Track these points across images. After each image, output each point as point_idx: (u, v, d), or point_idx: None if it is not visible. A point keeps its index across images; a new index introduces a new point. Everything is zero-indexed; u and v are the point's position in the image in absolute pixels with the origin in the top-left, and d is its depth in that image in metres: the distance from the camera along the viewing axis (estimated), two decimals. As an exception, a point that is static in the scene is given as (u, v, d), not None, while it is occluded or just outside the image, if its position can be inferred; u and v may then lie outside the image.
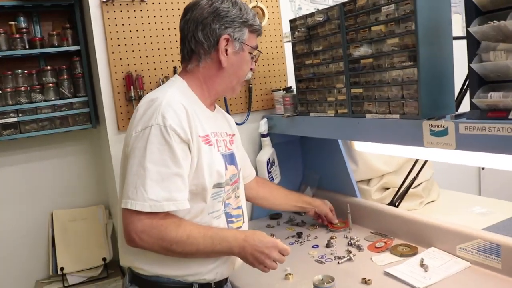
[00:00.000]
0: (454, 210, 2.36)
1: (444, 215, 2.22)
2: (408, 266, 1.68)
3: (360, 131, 1.75)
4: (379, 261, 1.78)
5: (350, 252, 1.89)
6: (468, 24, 1.31)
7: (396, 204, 2.19)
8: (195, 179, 1.43)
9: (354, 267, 1.76)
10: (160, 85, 2.15)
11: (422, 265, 1.67)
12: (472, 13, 1.31)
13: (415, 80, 1.49)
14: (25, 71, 2.27)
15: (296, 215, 2.45)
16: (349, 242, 1.98)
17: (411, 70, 1.50)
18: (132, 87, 2.10)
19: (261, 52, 1.67)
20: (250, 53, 1.58)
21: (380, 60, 1.62)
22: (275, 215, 2.46)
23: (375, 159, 2.35)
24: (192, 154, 1.41)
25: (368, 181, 2.42)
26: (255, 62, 1.65)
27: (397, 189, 2.36)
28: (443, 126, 1.39)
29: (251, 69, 1.63)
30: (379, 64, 1.62)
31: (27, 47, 2.22)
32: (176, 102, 1.41)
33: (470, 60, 1.32)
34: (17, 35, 2.19)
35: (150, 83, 2.17)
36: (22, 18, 2.25)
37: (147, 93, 2.14)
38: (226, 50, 1.51)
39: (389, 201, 2.36)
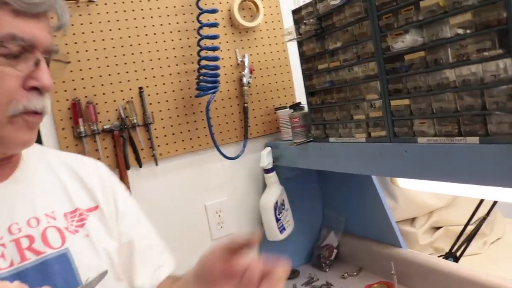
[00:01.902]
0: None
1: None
2: None
3: (410, 164, 1.14)
4: None
5: None
6: None
7: (458, 255, 1.58)
8: None
9: None
10: (121, 114, 1.59)
11: None
12: None
13: (508, 79, 0.89)
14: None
15: (318, 271, 1.84)
16: (400, 321, 1.37)
17: (501, 63, 0.90)
18: (80, 120, 1.52)
19: (21, 39, 0.78)
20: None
21: (438, 53, 1.02)
22: (290, 274, 1.85)
23: (420, 191, 1.75)
24: None
25: (412, 220, 1.82)
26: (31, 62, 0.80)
27: (451, 229, 1.76)
28: None
29: (35, 87, 0.81)
30: (437, 58, 1.03)
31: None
32: None
33: None
34: None
35: (108, 111, 1.59)
36: None
37: (102, 126, 1.59)
38: None
39: (442, 246, 1.76)
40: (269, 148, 1.75)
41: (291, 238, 1.82)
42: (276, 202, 1.71)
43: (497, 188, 1.08)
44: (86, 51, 1.56)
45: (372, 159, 1.27)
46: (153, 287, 1.04)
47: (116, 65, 1.61)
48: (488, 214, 1.58)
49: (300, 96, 1.78)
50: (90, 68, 1.57)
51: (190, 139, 1.73)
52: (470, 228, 1.70)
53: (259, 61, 1.87)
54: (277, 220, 1.71)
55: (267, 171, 1.74)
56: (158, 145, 1.67)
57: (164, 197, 1.69)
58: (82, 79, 1.55)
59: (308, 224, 1.94)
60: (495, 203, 1.57)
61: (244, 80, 1.80)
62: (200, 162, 1.76)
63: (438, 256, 1.69)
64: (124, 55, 1.63)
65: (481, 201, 1.60)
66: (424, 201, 1.77)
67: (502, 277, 1.30)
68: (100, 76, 1.58)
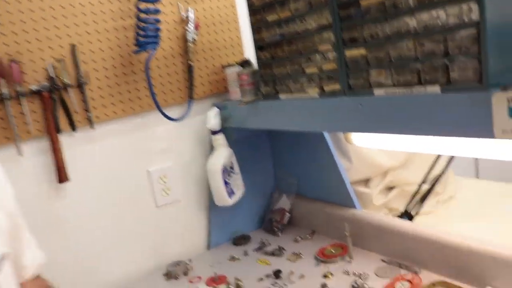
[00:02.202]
0: (485, 209, 1.74)
1: (476, 221, 1.61)
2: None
3: (366, 118, 1.06)
4: (411, 319, 1.13)
5: (361, 302, 1.24)
6: None
7: (414, 214, 1.55)
8: None
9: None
10: (50, 73, 1.43)
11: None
12: None
13: (473, 22, 0.82)
14: None
15: (270, 236, 1.78)
16: (354, 284, 1.32)
17: (465, 7, 0.82)
18: (2, 80, 1.36)
19: None
20: None
21: (396, -4, 0.94)
22: (241, 239, 1.78)
23: (375, 151, 1.69)
24: None
25: (366, 181, 1.77)
26: None
27: (406, 188, 1.73)
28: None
29: None
30: (395, 2, 0.95)
31: None
32: None
33: None
34: None
35: (35, 71, 1.42)
36: None
37: (29, 87, 1.43)
38: None
39: (397, 206, 1.73)
40: (216, 109, 1.64)
41: (242, 202, 1.74)
42: (224, 165, 1.62)
43: (456, 141, 1.03)
44: (7, 3, 1.38)
45: (326, 115, 1.19)
46: (34, 269, 1.03)
47: (44, 19, 1.44)
48: (443, 171, 1.55)
49: (250, 54, 1.67)
50: (12, 23, 1.39)
51: (130, 100, 1.59)
52: (424, 187, 1.67)
53: (205, 17, 1.73)
54: (226, 184, 1.62)
55: (214, 133, 1.64)
56: (94, 107, 1.52)
57: (103, 164, 1.56)
58: (3, 34, 1.38)
59: (259, 187, 1.86)
60: (450, 160, 1.54)
61: (189, 36, 1.67)
62: (142, 125, 1.64)
63: (394, 216, 1.65)
64: (53, 8, 1.45)
65: (437, 158, 1.56)
66: (378, 161, 1.72)
67: (455, 234, 1.27)
68: (25, 31, 1.41)
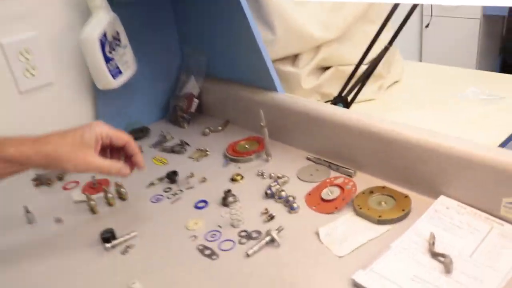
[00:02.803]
0: (437, 97, 1.44)
1: (426, 111, 1.32)
2: (402, 254, 0.74)
3: None
4: (333, 240, 0.82)
5: (271, 217, 0.92)
6: None
7: (350, 99, 1.21)
8: None
9: (284, 267, 0.79)
10: None
11: (435, 254, 0.74)
12: None
13: None
14: None
15: (174, 128, 1.43)
16: (268, 191, 0.99)
17: None
18: None
19: None
20: None
21: None
22: (138, 133, 1.41)
23: (304, 18, 1.30)
24: None
25: (294, 58, 1.40)
26: None
27: (342, 69, 1.39)
28: None
29: None
30: None
31: None
32: None
33: None
34: None
35: None
36: None
37: None
38: None
39: (331, 91, 1.40)
40: (89, -45, 1.18)
41: (139, 86, 1.36)
42: (104, 35, 1.19)
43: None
44: None
45: None
46: None
47: None
48: (391, 42, 1.19)
49: None
50: None
51: None
52: (364, 67, 1.33)
53: None
54: (108, 60, 1.20)
55: (87, -11, 1.19)
56: None
57: None
58: None
59: (161, 68, 1.46)
60: (397, 32, 1.17)
61: None
62: (-16, -24, 1.17)
63: (326, 102, 1.32)
64: None
65: (380, 29, 1.19)
66: (309, 32, 1.34)
67: (401, 125, 0.95)
68: None
